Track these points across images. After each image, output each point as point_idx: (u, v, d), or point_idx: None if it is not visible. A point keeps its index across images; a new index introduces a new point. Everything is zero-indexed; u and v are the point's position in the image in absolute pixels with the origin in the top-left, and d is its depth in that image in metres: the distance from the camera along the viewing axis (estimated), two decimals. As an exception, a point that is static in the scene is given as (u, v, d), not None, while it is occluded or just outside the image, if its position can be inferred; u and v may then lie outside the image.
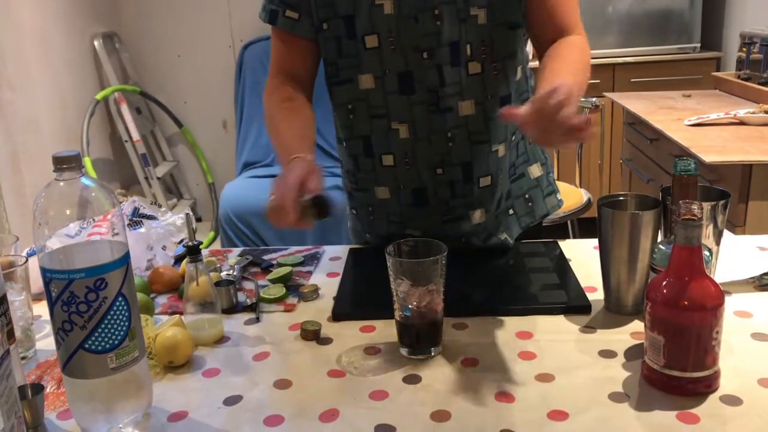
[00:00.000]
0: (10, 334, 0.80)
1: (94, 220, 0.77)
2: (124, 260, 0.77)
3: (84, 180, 0.75)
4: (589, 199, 2.29)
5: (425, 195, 1.21)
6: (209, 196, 3.92)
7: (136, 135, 3.47)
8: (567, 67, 1.02)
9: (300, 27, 1.16)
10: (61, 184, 0.74)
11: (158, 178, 3.56)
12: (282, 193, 0.91)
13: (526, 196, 1.29)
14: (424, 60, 1.12)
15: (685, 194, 0.88)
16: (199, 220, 4.01)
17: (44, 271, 0.74)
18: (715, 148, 1.77)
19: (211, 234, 3.68)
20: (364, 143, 1.21)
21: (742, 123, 1.98)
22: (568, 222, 2.25)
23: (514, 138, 1.23)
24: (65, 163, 0.73)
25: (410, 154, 1.18)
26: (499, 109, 1.14)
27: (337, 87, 1.19)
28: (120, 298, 0.76)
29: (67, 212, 0.75)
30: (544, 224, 1.37)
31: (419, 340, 0.92)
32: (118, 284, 0.75)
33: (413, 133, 1.17)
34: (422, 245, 0.93)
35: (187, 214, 0.99)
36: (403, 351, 0.93)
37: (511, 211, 1.27)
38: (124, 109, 3.45)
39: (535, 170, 1.30)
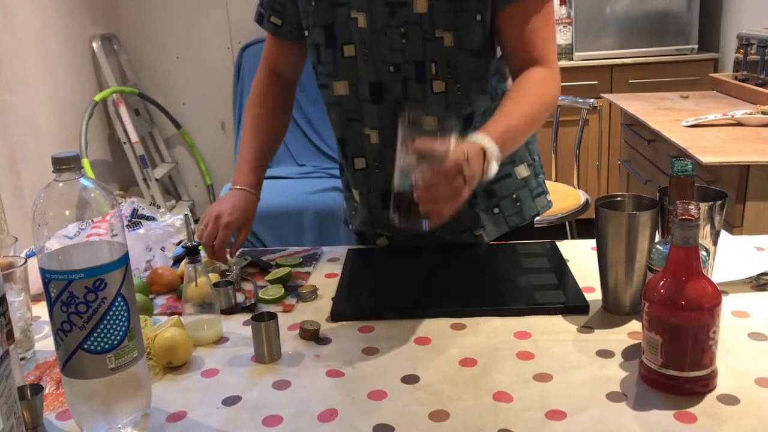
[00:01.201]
0: (10, 335, 0.80)
1: (92, 221, 0.77)
2: (123, 261, 0.77)
3: (83, 181, 0.75)
4: (587, 200, 2.30)
5: None
6: (208, 197, 3.92)
7: (134, 136, 3.47)
8: (516, 108, 1.08)
9: (281, 32, 1.26)
10: (61, 184, 0.74)
11: (157, 180, 3.56)
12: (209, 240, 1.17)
13: (514, 196, 1.32)
14: (392, 73, 1.17)
15: (682, 194, 0.89)
16: (197, 221, 4.00)
17: (43, 271, 0.74)
18: (713, 149, 1.78)
19: (210, 235, 3.67)
20: (340, 145, 1.29)
21: (739, 124, 1.99)
22: (566, 223, 2.25)
23: None
24: (64, 164, 0.73)
25: (379, 159, 1.25)
26: (460, 124, 1.19)
27: (319, 88, 1.26)
28: (119, 299, 0.76)
29: (66, 213, 0.75)
30: (542, 225, 1.38)
31: (411, 211, 0.91)
32: (117, 285, 0.76)
33: (382, 139, 1.23)
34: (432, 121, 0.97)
35: (186, 215, 0.99)
36: (395, 218, 0.93)
37: (496, 210, 1.30)
38: (123, 110, 3.45)
39: (522, 171, 1.32)
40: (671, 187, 0.90)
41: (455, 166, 0.89)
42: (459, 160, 0.90)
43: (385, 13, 1.14)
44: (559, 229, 2.22)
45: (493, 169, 0.99)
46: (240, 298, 1.12)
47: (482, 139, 0.99)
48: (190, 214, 1.02)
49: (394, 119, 1.18)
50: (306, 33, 1.21)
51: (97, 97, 3.35)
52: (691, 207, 0.79)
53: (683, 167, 0.88)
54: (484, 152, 0.98)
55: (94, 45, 3.45)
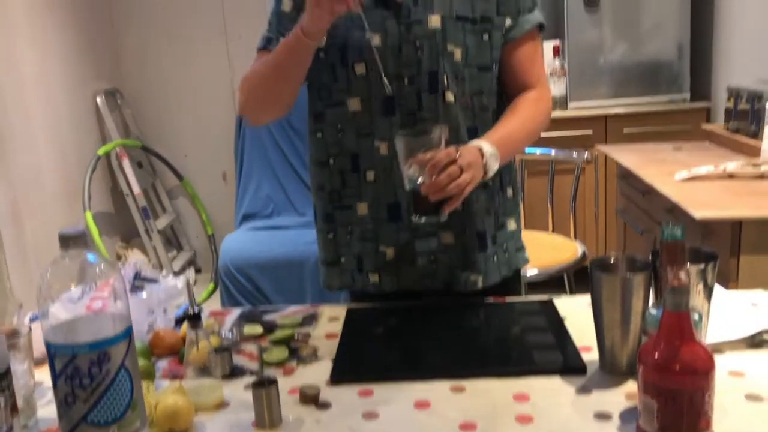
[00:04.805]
0: (14, 407, 0.81)
1: (95, 284, 0.79)
2: (127, 333, 0.79)
3: (89, 257, 0.77)
4: (584, 252, 2.31)
5: (398, 210, 1.31)
6: (209, 247, 3.94)
7: (137, 188, 3.52)
8: (512, 120, 1.27)
9: None
10: (67, 260, 0.77)
11: (158, 231, 3.59)
12: None
13: (504, 246, 1.38)
14: (405, 86, 1.25)
15: (673, 259, 0.91)
16: (198, 271, 4.02)
17: (49, 345, 0.76)
18: (706, 203, 1.80)
19: (211, 286, 3.68)
20: (352, 159, 1.31)
21: (731, 176, 2.02)
22: (564, 275, 2.26)
23: (492, 184, 1.32)
24: (71, 241, 0.76)
25: (388, 170, 1.29)
26: (467, 138, 1.27)
27: (329, 109, 1.31)
28: (122, 371, 0.77)
29: (72, 287, 0.77)
30: (541, 279, 1.41)
31: (424, 205, 1.11)
32: (121, 357, 0.77)
33: (392, 149, 1.26)
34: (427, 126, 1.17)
35: (188, 280, 1.01)
36: (415, 217, 1.15)
37: (495, 258, 1.35)
38: (126, 163, 3.50)
39: (512, 224, 1.40)
40: (662, 251, 0.92)
41: (447, 155, 1.09)
42: (450, 151, 1.10)
43: (401, 31, 1.24)
44: (558, 281, 2.23)
45: (493, 166, 1.17)
46: (241, 360, 1.13)
47: (477, 141, 1.18)
48: (191, 281, 1.04)
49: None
50: (321, 54, 1.26)
51: (101, 151, 3.40)
52: (682, 274, 0.81)
53: (673, 233, 0.90)
54: (480, 150, 1.15)
55: (98, 99, 3.52)
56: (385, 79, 1.17)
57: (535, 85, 1.32)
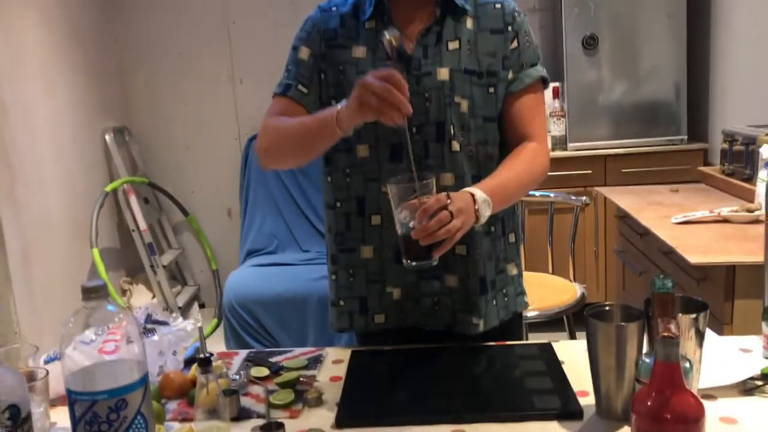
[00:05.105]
0: (33, 452, 0.85)
1: (108, 327, 0.83)
2: (143, 380, 0.83)
3: (109, 308, 0.81)
4: (583, 294, 2.33)
5: None
6: (213, 282, 3.98)
7: (143, 224, 3.56)
8: (507, 171, 1.30)
9: (307, 100, 1.36)
10: (88, 311, 0.81)
11: (163, 266, 3.63)
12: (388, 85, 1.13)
13: (503, 291, 1.42)
14: (414, 135, 1.29)
15: (664, 310, 0.95)
16: (202, 306, 4.05)
17: (69, 392, 0.80)
18: (700, 248, 1.84)
19: (214, 321, 3.71)
20: (358, 203, 1.37)
21: (725, 221, 2.06)
22: (564, 316, 2.29)
23: (494, 230, 1.37)
24: (92, 293, 0.80)
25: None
26: (472, 184, 1.30)
27: (338, 154, 1.35)
28: (139, 417, 0.81)
29: (93, 337, 0.81)
30: (541, 320, 1.44)
31: (415, 250, 1.13)
32: (138, 404, 0.81)
33: None
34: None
35: (200, 327, 1.05)
36: (406, 261, 1.16)
37: (494, 302, 1.39)
38: (133, 200, 3.56)
39: (512, 269, 1.44)
40: (654, 302, 0.96)
41: (437, 201, 1.13)
42: (441, 197, 1.14)
43: (411, 83, 1.27)
44: (558, 321, 2.26)
45: (485, 213, 1.20)
46: (249, 403, 1.16)
47: (470, 188, 1.22)
48: (199, 322, 1.08)
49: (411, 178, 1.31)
50: (333, 102, 1.30)
51: (108, 188, 3.46)
52: (672, 325, 0.85)
53: (664, 285, 0.95)
54: (473, 197, 1.18)
55: (107, 137, 3.60)
56: (417, 181, 1.18)
57: (534, 139, 1.36)
